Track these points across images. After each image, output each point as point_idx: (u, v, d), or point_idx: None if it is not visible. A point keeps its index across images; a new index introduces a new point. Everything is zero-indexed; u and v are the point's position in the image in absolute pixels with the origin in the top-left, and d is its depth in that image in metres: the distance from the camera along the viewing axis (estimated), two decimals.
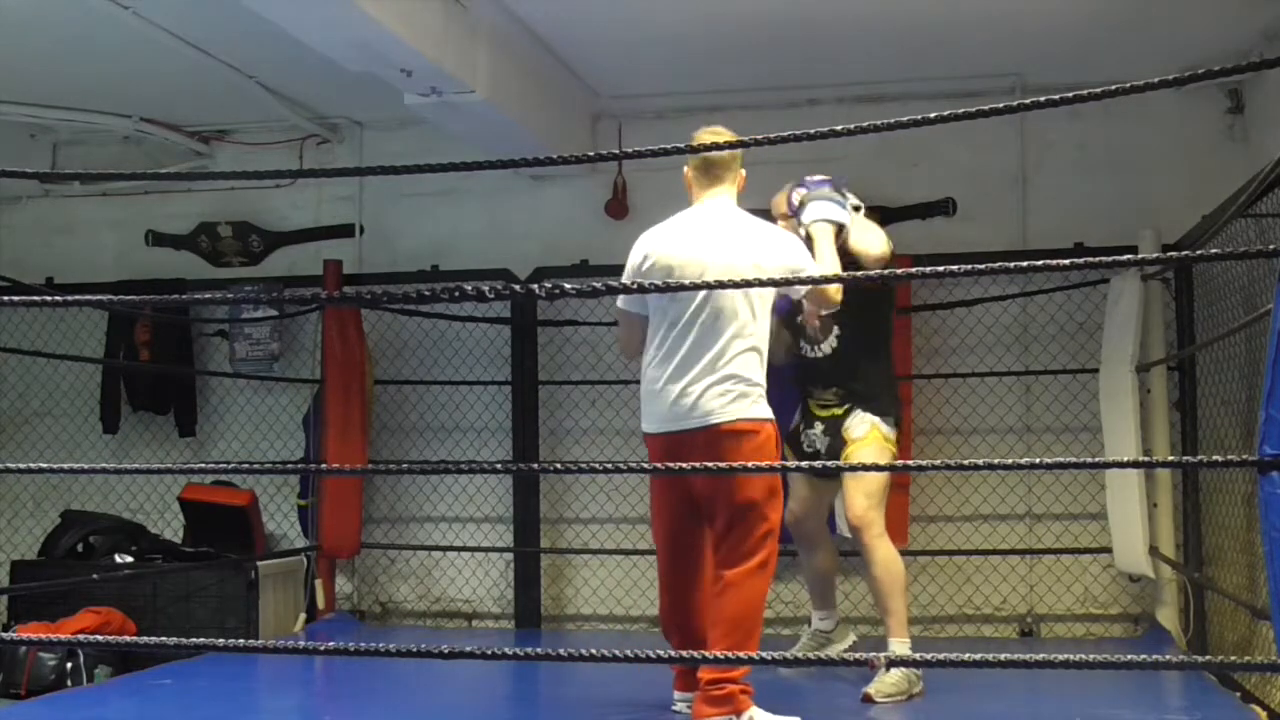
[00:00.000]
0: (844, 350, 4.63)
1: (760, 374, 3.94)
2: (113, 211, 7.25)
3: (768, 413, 3.94)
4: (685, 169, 4.15)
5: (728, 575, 3.88)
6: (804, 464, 4.70)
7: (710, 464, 3.02)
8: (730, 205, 4.10)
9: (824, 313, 4.47)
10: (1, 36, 5.45)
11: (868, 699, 4.32)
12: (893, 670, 4.38)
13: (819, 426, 4.72)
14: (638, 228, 4.24)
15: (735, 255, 3.95)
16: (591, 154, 2.76)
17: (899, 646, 4.49)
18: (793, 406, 4.82)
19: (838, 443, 4.64)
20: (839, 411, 4.66)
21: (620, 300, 4.13)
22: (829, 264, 4.26)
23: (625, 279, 4.10)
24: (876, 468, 4.26)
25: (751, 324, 3.93)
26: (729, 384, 3.87)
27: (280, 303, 6.89)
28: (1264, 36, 5.44)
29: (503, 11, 5.33)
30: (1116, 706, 4.28)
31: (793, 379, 4.81)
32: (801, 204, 4.49)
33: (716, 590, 3.90)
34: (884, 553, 4.52)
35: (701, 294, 3.87)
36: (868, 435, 4.59)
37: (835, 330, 4.64)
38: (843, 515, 5.91)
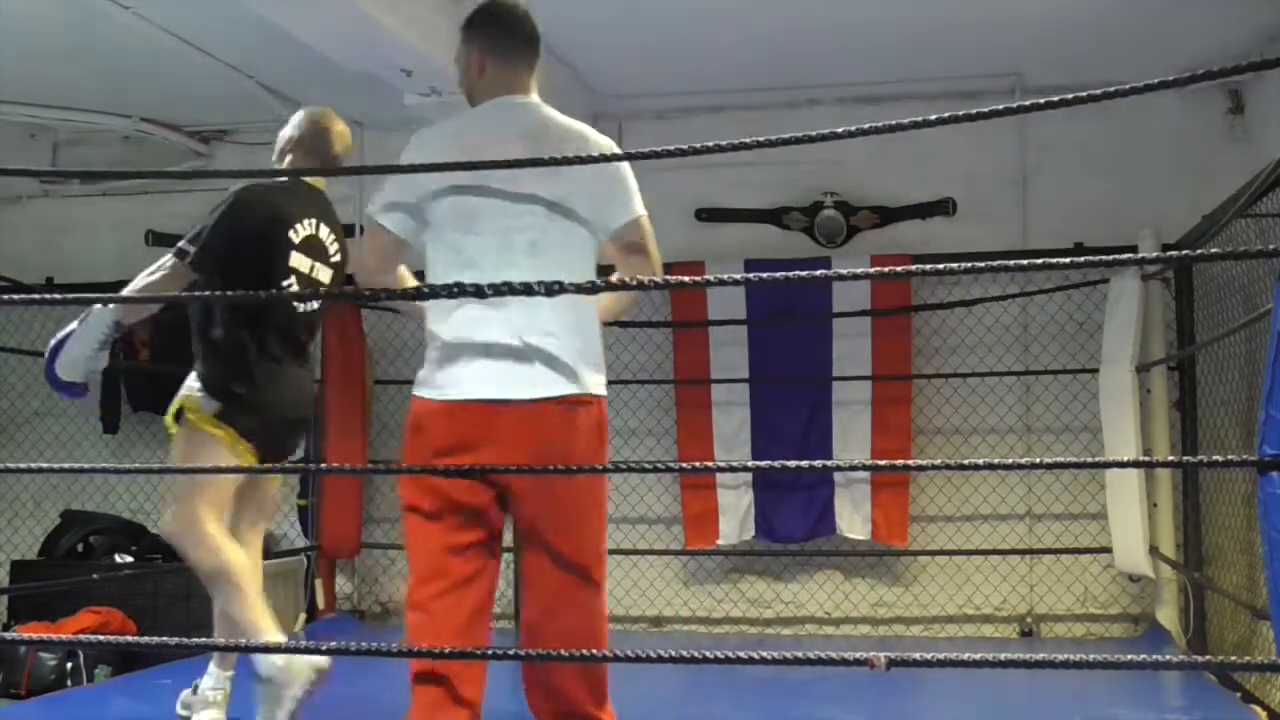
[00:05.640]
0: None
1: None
2: (113, 211, 7.25)
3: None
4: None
5: None
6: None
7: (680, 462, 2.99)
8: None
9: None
10: (1, 36, 5.45)
11: None
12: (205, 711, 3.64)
13: None
14: None
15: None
16: (592, 154, 2.75)
17: (267, 666, 3.40)
18: None
19: None
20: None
21: None
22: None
23: None
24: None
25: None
26: None
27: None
28: (1264, 36, 5.44)
29: None
30: (1116, 706, 4.28)
31: None
32: None
33: None
34: (207, 562, 3.49)
35: None
36: (171, 416, 3.70)
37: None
38: (841, 516, 5.94)
